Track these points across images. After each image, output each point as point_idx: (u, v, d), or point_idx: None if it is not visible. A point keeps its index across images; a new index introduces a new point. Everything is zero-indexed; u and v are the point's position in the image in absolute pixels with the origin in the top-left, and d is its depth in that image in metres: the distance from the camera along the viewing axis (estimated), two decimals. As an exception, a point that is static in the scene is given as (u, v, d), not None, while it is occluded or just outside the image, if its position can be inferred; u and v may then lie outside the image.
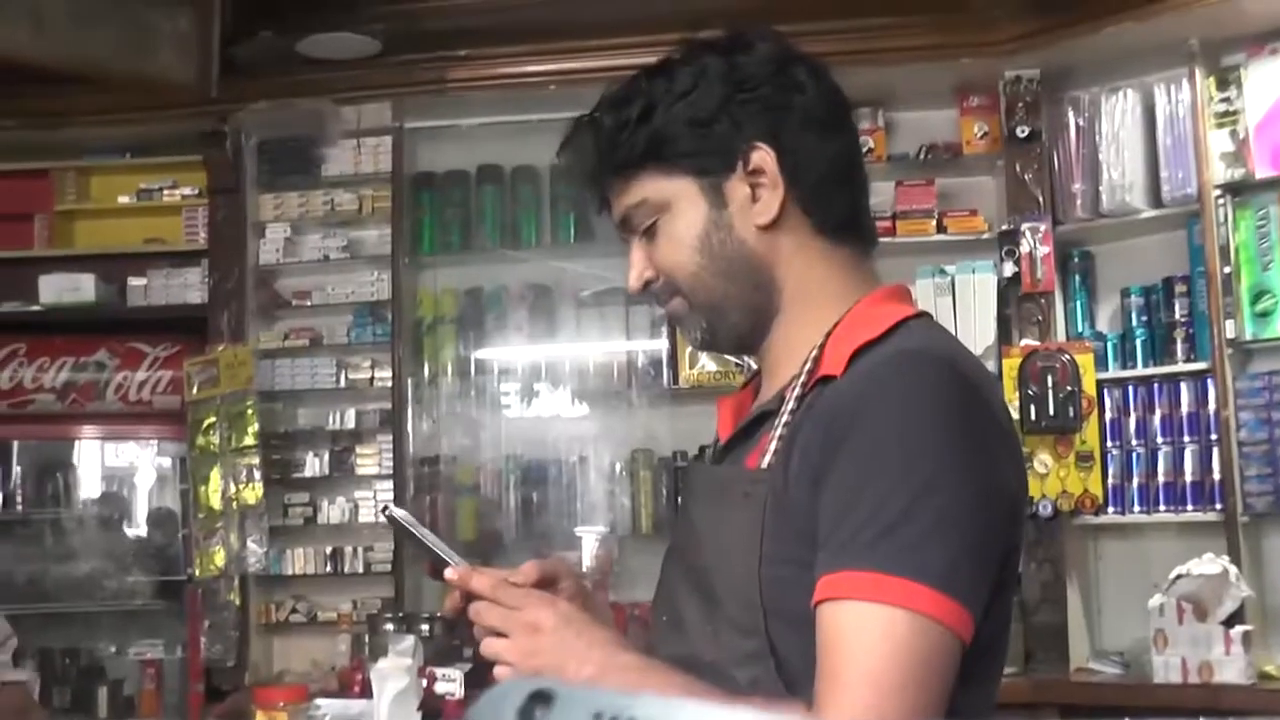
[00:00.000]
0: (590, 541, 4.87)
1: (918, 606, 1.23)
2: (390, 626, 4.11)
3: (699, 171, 1.45)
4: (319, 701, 4.26)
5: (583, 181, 1.54)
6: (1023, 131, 4.54)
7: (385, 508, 1.50)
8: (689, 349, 4.70)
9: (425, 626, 4.01)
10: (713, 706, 0.58)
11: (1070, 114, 4.59)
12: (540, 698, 0.40)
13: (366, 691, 3.63)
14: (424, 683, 3.36)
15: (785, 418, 1.40)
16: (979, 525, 1.29)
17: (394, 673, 3.11)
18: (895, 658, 1.23)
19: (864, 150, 4.45)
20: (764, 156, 1.43)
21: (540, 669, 1.33)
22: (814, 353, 1.42)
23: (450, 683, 3.48)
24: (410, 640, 3.39)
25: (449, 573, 1.42)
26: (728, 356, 4.43)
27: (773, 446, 1.38)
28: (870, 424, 1.32)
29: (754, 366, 1.57)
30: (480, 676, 3.48)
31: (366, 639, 4.43)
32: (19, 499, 5.58)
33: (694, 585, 1.41)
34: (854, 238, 1.51)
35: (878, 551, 1.25)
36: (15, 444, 5.57)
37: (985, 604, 1.30)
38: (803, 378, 1.42)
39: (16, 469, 5.59)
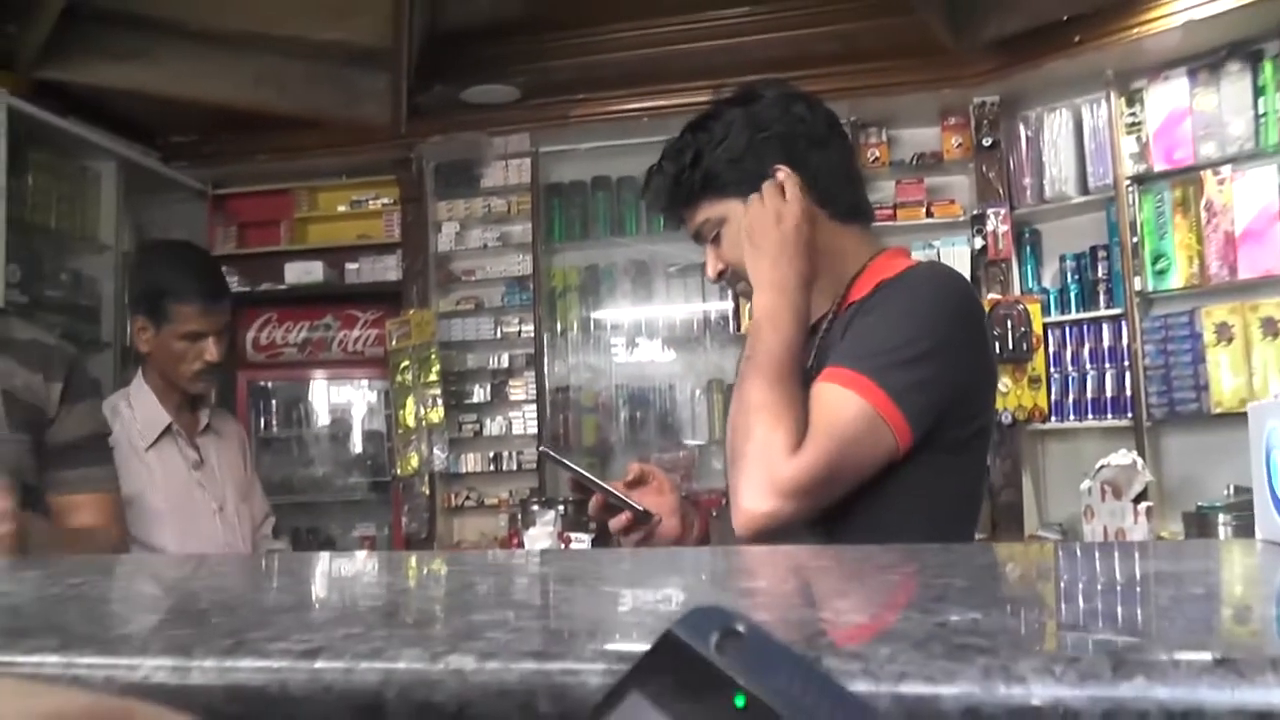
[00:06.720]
0: (677, 446, 5.36)
1: (873, 402, 1.35)
2: (536, 507, 4.31)
3: (741, 194, 1.54)
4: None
5: (661, 210, 1.66)
6: (987, 141, 4.87)
7: (540, 447, 1.50)
8: (748, 306, 5.13)
9: (561, 506, 4.15)
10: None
11: (1021, 128, 4.90)
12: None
13: (521, 551, 3.85)
14: (561, 545, 3.71)
15: (820, 338, 1.52)
16: (947, 378, 1.39)
17: (540, 537, 3.73)
18: (849, 425, 1.35)
19: (871, 159, 4.96)
20: (786, 174, 1.51)
21: None
22: (841, 290, 1.54)
23: (581, 544, 3.68)
24: (551, 514, 3.91)
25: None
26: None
27: (811, 357, 1.49)
28: (893, 297, 1.44)
29: None
30: (604, 540, 3.28)
31: (520, 516, 4.72)
32: (274, 423, 5.99)
33: None
34: (860, 217, 1.61)
35: (864, 362, 1.37)
36: (270, 384, 5.95)
37: (928, 429, 1.38)
38: (833, 309, 1.53)
39: (272, 402, 5.99)
